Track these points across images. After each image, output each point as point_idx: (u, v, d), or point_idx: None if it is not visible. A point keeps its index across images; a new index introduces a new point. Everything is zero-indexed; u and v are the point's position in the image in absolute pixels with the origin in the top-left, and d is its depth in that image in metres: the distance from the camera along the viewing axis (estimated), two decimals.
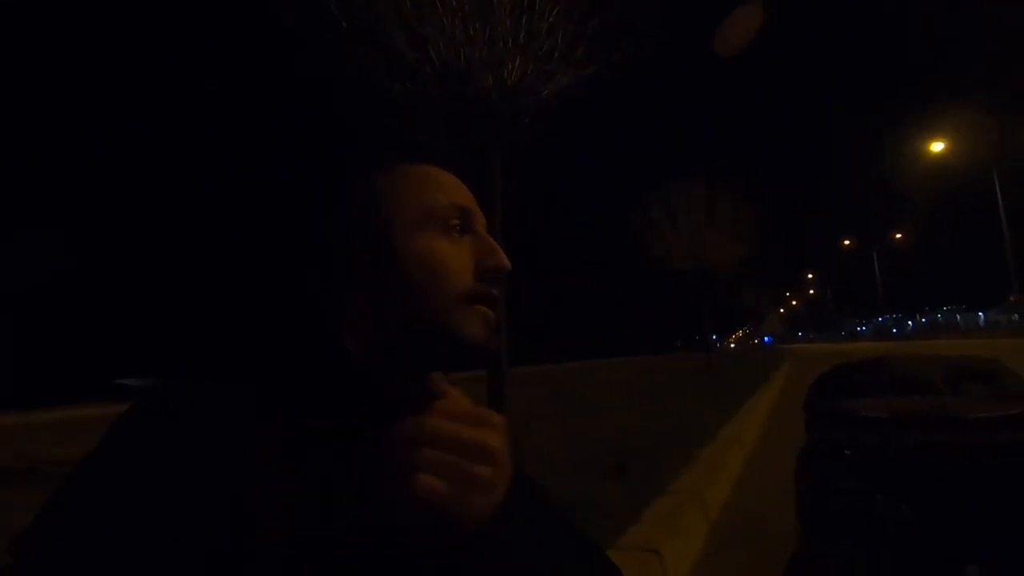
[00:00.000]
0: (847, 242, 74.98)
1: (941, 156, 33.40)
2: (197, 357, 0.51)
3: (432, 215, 0.53)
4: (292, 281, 0.59)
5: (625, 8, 4.33)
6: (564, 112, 4.57)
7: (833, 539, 0.63)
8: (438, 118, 3.92)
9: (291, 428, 0.44)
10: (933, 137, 33.41)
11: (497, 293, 0.55)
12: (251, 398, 0.45)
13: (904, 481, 0.61)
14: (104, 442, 0.43)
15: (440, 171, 0.58)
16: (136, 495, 0.39)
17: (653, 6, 4.42)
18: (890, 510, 0.59)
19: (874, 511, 0.60)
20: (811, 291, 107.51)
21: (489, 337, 0.54)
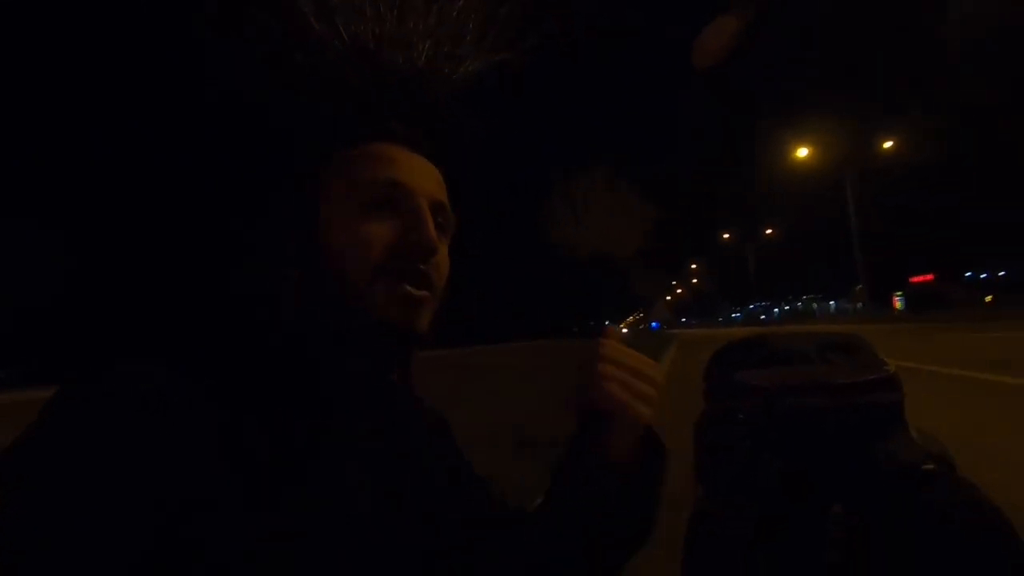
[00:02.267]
0: (726, 235, 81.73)
1: (805, 160, 37.33)
2: (137, 340, 0.48)
3: (355, 190, 0.53)
4: (228, 264, 0.57)
5: None
6: (472, 96, 4.58)
7: (728, 493, 0.72)
8: (345, 94, 3.77)
9: (232, 405, 0.44)
10: (799, 143, 37.25)
11: (424, 269, 0.53)
12: (191, 377, 0.44)
13: (785, 439, 0.72)
14: (38, 423, 0.41)
15: (383, 147, 0.56)
16: (74, 478, 0.37)
17: None
18: (775, 465, 0.69)
19: (761, 467, 0.70)
20: (695, 280, 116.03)
21: (405, 315, 0.52)
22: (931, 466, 0.65)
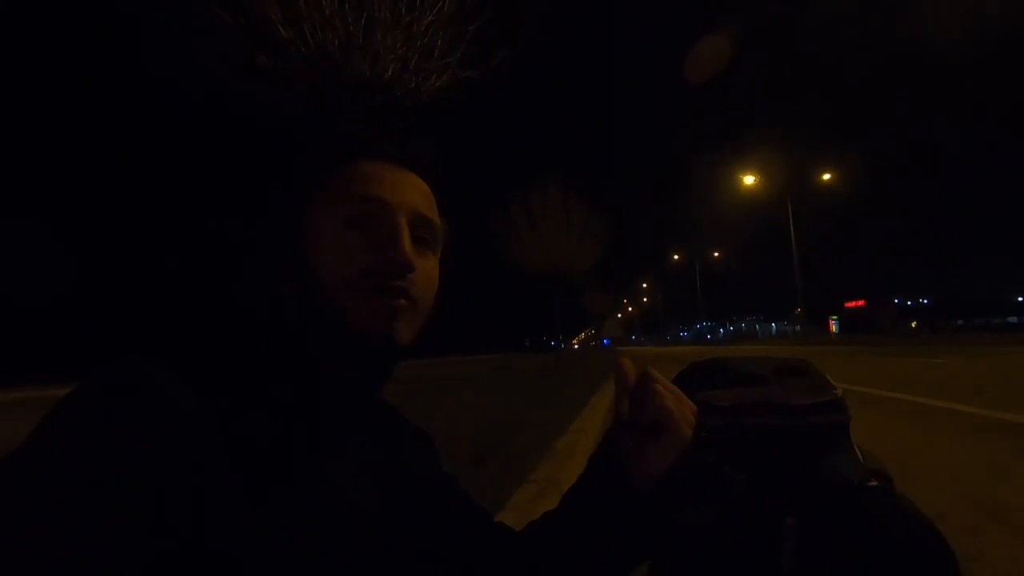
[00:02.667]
0: (676, 256, 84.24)
1: (752, 188, 39.09)
2: (140, 345, 0.49)
3: (338, 205, 0.54)
4: (223, 272, 0.58)
5: (502, 16, 4.50)
6: (436, 110, 4.60)
7: (690, 506, 0.76)
8: (308, 101, 3.72)
9: (229, 407, 0.45)
10: (747, 171, 39.00)
11: (398, 284, 0.53)
12: (191, 378, 0.45)
13: (743, 455, 0.77)
14: (44, 425, 0.41)
15: (368, 165, 0.57)
16: (79, 478, 0.38)
17: (530, 16, 4.66)
18: (733, 479, 0.73)
19: (721, 480, 0.75)
20: (645, 299, 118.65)
21: (382, 328, 0.52)
22: (874, 482, 0.72)
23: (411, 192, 0.58)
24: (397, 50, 4.02)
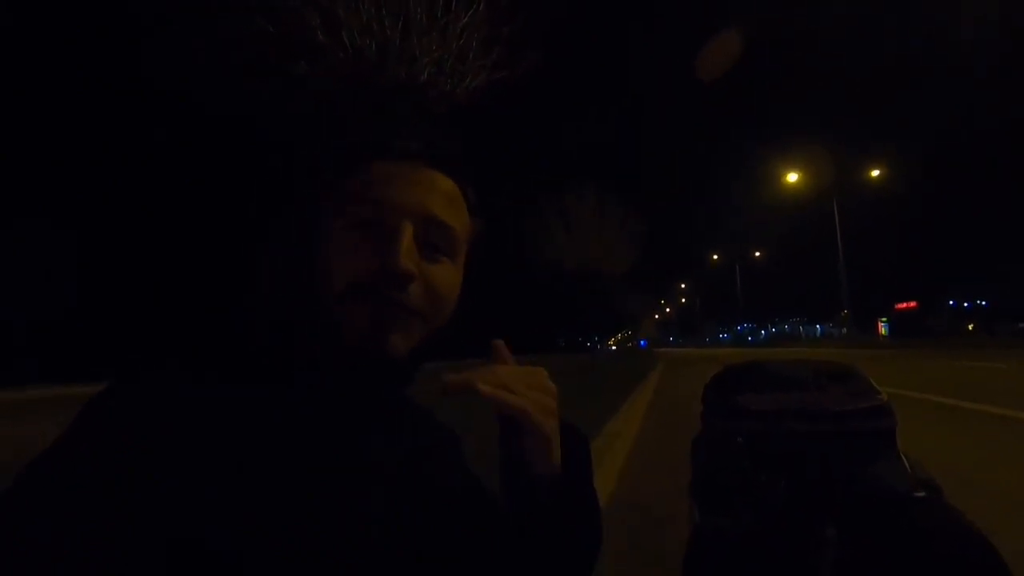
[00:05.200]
0: (715, 256, 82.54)
1: (795, 185, 37.95)
2: (145, 349, 0.50)
3: (343, 211, 0.52)
4: (232, 279, 0.59)
5: (536, 18, 4.49)
6: (471, 113, 4.63)
7: (725, 512, 0.74)
8: (346, 105, 3.81)
9: (239, 411, 0.46)
10: (790, 168, 37.89)
11: (393, 295, 0.51)
12: (201, 384, 0.47)
13: (782, 462, 0.74)
14: (70, 430, 0.42)
15: (379, 166, 0.54)
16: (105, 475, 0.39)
17: (562, 18, 4.66)
18: (771, 486, 0.71)
19: (758, 487, 0.73)
20: (683, 300, 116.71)
21: (371, 342, 0.51)
22: (922, 493, 0.68)
23: (425, 193, 0.54)
24: (432, 52, 4.06)
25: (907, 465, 0.73)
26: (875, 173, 35.96)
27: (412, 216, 0.53)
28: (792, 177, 37.59)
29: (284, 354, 0.53)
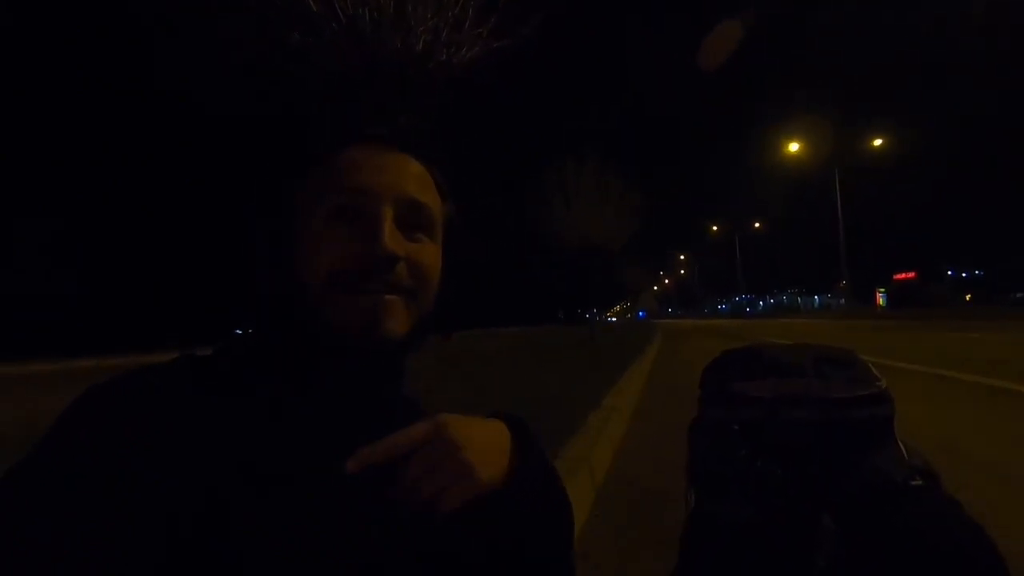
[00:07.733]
0: (714, 228, 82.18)
1: (795, 155, 37.56)
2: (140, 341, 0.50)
3: (321, 199, 0.53)
4: (224, 268, 0.59)
5: None
6: (468, 84, 4.53)
7: (722, 498, 0.75)
8: (340, 77, 3.71)
9: (233, 403, 0.47)
10: (789, 139, 37.44)
11: (383, 278, 0.52)
12: (195, 376, 0.48)
13: (779, 449, 0.74)
14: (67, 424, 0.43)
15: (353, 151, 0.55)
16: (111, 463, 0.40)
17: None
18: (768, 473, 0.71)
19: (755, 474, 0.73)
20: (682, 271, 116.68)
21: (363, 326, 0.51)
22: (918, 481, 0.68)
23: (399, 176, 0.56)
24: (428, 20, 3.96)
25: (904, 453, 0.73)
26: (876, 142, 35.56)
27: (390, 199, 0.54)
28: (793, 147, 37.17)
29: (281, 349, 0.53)
